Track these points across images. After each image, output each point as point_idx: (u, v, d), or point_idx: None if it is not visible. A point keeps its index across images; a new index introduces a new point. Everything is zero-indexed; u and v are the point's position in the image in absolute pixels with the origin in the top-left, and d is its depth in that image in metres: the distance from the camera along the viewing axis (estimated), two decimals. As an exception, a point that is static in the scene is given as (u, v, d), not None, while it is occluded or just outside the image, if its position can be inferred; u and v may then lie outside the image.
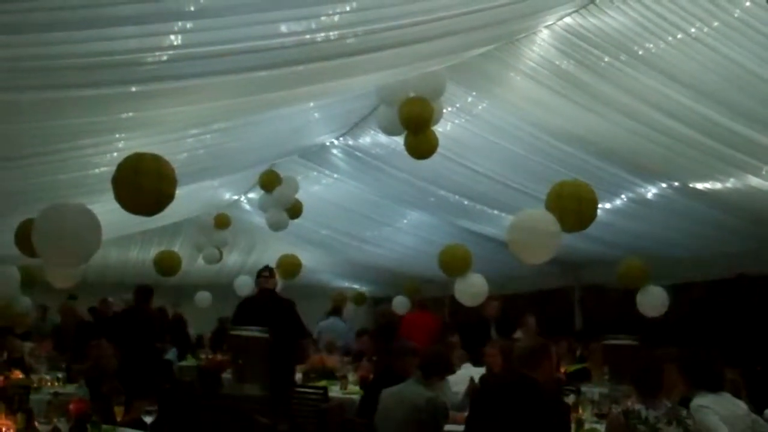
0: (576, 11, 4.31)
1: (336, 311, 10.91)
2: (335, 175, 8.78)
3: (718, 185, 5.96)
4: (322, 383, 7.06)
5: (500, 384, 4.26)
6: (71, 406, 4.31)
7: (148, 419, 3.98)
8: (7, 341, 7.57)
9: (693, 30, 4.14)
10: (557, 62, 4.88)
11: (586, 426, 4.66)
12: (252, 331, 6.24)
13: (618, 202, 6.85)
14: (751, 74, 4.31)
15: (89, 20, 2.84)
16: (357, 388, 6.74)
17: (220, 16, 3.14)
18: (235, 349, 6.67)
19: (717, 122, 4.86)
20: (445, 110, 5.58)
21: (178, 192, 4.44)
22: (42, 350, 8.05)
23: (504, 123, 6.02)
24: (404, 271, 11.55)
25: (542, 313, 8.82)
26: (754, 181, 5.58)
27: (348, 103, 6.10)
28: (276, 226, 8.52)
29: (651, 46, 4.39)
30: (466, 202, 8.15)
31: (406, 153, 5.59)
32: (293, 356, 6.91)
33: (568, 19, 4.43)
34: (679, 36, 4.22)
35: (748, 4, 3.83)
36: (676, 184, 6.21)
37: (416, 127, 5.23)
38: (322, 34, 3.57)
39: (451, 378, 5.31)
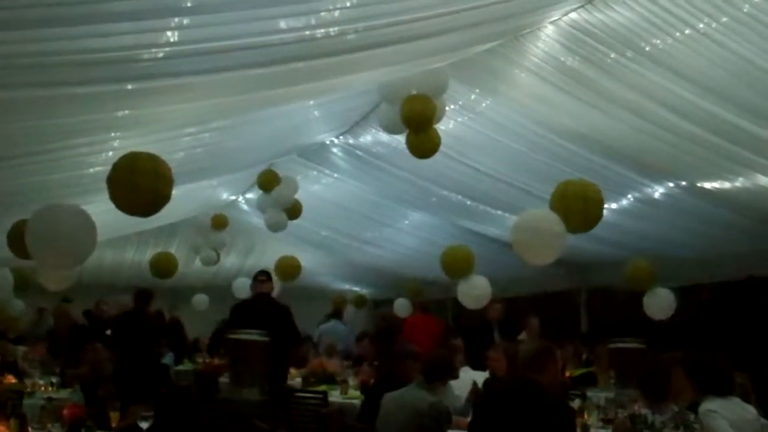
0: (581, 6, 4.31)
1: (336, 314, 10.90)
2: (335, 175, 8.78)
3: (726, 184, 5.96)
4: (322, 388, 7.05)
5: (504, 388, 4.26)
6: (65, 412, 4.32)
7: (144, 425, 3.99)
8: (0, 345, 7.58)
9: (701, 25, 4.14)
10: (562, 59, 4.88)
11: (592, 431, 4.66)
12: (251, 335, 6.25)
13: (624, 202, 6.85)
14: (760, 70, 4.31)
15: (84, 16, 2.84)
16: (358, 393, 6.75)
17: (218, 12, 3.13)
18: (233, 353, 6.67)
19: (725, 120, 4.85)
20: (447, 108, 5.57)
21: (175, 192, 4.44)
22: (35, 354, 8.06)
23: (508, 121, 6.02)
24: (406, 273, 11.54)
25: (547, 315, 8.81)
26: (763, 180, 5.58)
27: (348, 100, 6.10)
28: (275, 227, 8.52)
29: (658, 42, 4.39)
30: (468, 202, 8.14)
31: (407, 152, 5.59)
32: (286, 362, 6.92)
33: (573, 15, 4.43)
34: (686, 32, 4.22)
35: (757, -1, 3.84)
36: (684, 183, 6.21)
37: (418, 125, 5.23)
38: (322, 30, 3.57)
39: (453, 382, 5.31)
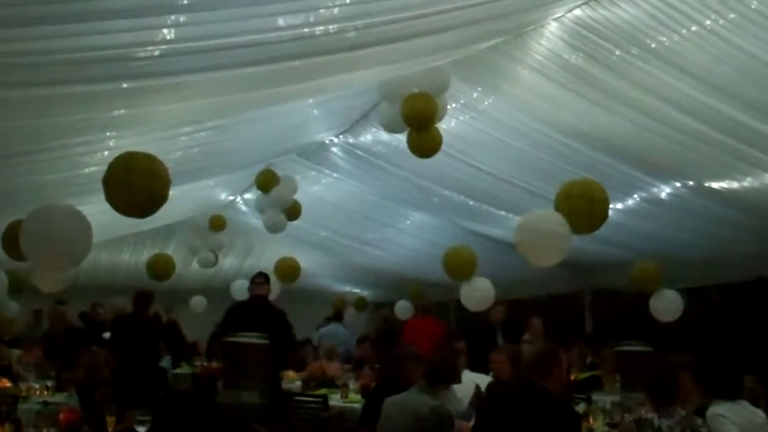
0: (586, 3, 4.32)
1: (336, 317, 10.90)
2: (335, 175, 8.78)
3: (734, 184, 5.95)
4: (322, 391, 7.06)
5: (508, 392, 4.26)
6: (61, 416, 4.32)
7: (142, 429, 3.99)
8: (-6, 348, 7.58)
9: (708, 22, 4.14)
10: (566, 56, 4.88)
11: (598, 435, 4.66)
12: (250, 338, 6.25)
13: (630, 201, 6.85)
14: (767, 67, 4.31)
15: (79, 14, 2.84)
16: (358, 397, 6.75)
17: (215, 9, 3.14)
18: (232, 356, 6.67)
19: (733, 118, 4.85)
20: (449, 106, 5.57)
21: (172, 192, 4.44)
22: (30, 357, 8.06)
23: (511, 119, 6.02)
24: (407, 275, 11.54)
25: (551, 318, 8.80)
26: (772, 179, 5.58)
27: (348, 99, 6.10)
28: (273, 228, 8.52)
29: (664, 38, 4.39)
30: (471, 203, 8.14)
31: (408, 151, 5.59)
32: (280, 366, 6.92)
33: (577, 11, 4.43)
34: (693, 28, 4.22)
35: (765, -6, 3.84)
36: (691, 182, 6.20)
37: (419, 124, 5.23)
38: (321, 28, 3.57)
39: (455, 386, 5.30)
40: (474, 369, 6.12)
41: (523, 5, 4.16)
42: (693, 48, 4.37)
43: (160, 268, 9.67)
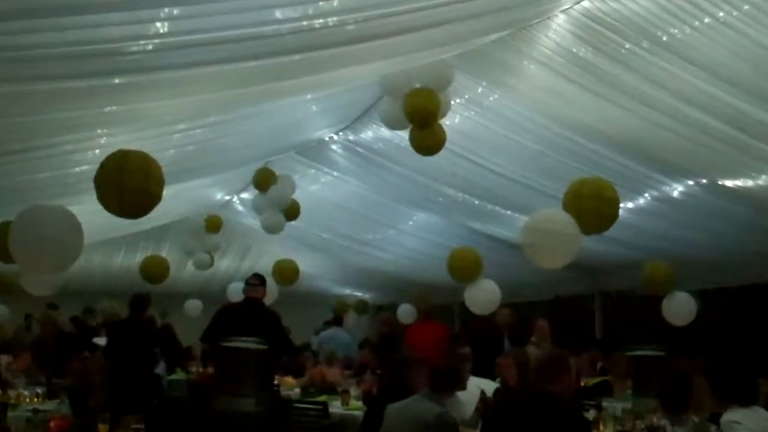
0: (594, -6, 4.31)
1: (336, 320, 10.91)
2: (335, 173, 8.78)
3: (749, 182, 5.94)
4: (323, 398, 7.06)
5: (516, 398, 4.25)
6: (52, 424, 4.33)
7: (135, 437, 3.99)
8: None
9: (721, 14, 4.13)
10: (574, 49, 4.88)
11: (608, 443, 4.65)
12: (248, 343, 6.25)
13: (641, 201, 6.84)
14: (784, 61, 4.31)
15: (68, 7, 2.84)
16: (360, 404, 6.74)
17: (210, 2, 3.14)
18: (228, 362, 6.67)
19: (747, 113, 4.84)
20: (453, 102, 5.58)
21: (166, 192, 4.44)
22: (20, 364, 8.07)
23: (517, 115, 6.02)
24: (410, 277, 11.55)
25: (559, 321, 8.80)
26: (789, 177, 5.58)
27: (348, 94, 6.10)
28: (271, 229, 8.52)
29: (676, 31, 4.38)
30: (476, 202, 8.14)
31: (411, 148, 5.59)
32: (274, 372, 6.92)
33: (585, 3, 4.42)
34: (706, 20, 4.21)
35: (781, -15, 3.83)
36: (704, 180, 6.19)
37: (422, 120, 5.23)
38: (320, 21, 3.56)
39: (460, 392, 5.30)
40: (480, 374, 6.10)
41: (530, -3, 4.16)
42: (706, 41, 4.36)
43: (154, 270, 9.68)
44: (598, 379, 7.10)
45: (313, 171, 8.84)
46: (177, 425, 5.84)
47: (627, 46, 4.65)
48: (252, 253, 12.86)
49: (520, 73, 5.46)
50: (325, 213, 9.91)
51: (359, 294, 14.11)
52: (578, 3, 4.44)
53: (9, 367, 7.80)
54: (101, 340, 8.15)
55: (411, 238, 10.35)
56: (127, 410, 4.81)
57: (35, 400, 6.44)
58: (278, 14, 3.41)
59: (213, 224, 10.24)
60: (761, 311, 7.49)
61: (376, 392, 6.14)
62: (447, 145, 5.56)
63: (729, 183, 6.06)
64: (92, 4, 2.90)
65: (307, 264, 10.81)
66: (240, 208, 10.82)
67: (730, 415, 3.85)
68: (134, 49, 3.28)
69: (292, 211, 8.43)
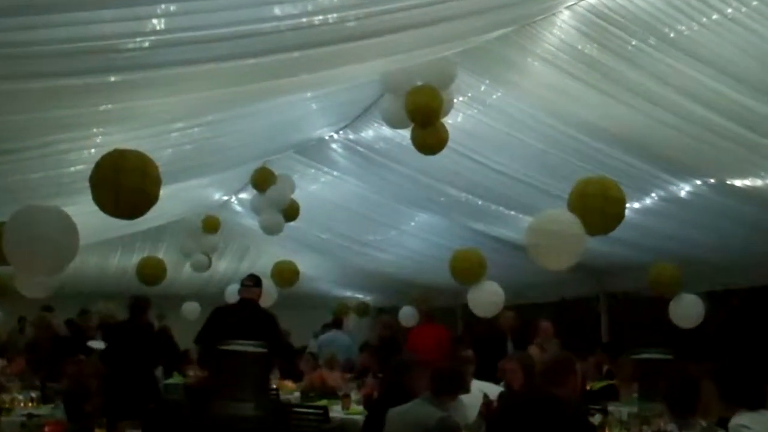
0: (600, -11, 4.32)
1: (336, 323, 10.90)
2: (335, 173, 8.78)
3: (758, 181, 5.94)
4: (323, 402, 7.06)
5: (520, 402, 4.24)
6: (46, 429, 4.33)
7: (131, 442, 3.99)
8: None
9: (729, 10, 4.13)
10: (579, 46, 4.88)
11: (614, 448, 4.65)
12: (247, 346, 6.25)
13: (647, 200, 6.84)
14: (794, 58, 4.30)
15: (62, 3, 2.84)
16: (360, 408, 6.74)
17: (208, -2, 3.15)
18: (226, 366, 6.67)
19: (756, 111, 4.84)
20: (455, 100, 5.57)
21: (163, 192, 4.45)
22: (15, 368, 8.08)
23: (521, 114, 6.02)
24: (412, 279, 11.55)
25: (564, 324, 8.81)
26: (799, 176, 5.57)
27: (349, 92, 6.10)
28: (270, 230, 8.52)
29: (683, 27, 4.38)
30: (479, 202, 8.14)
31: (412, 148, 5.58)
32: (269, 374, 6.94)
33: (591, -1, 4.43)
34: (713, 17, 4.21)
35: (790, -20, 3.83)
36: (712, 180, 6.19)
37: (424, 118, 5.23)
38: (320, 17, 3.57)
39: (463, 396, 5.30)
40: (483, 378, 6.11)
41: (534, -8, 4.16)
42: (714, 37, 4.36)
43: (151, 272, 9.68)
44: (603, 383, 7.10)
45: (312, 170, 8.84)
46: (174, 430, 5.84)
47: (633, 43, 4.65)
48: (250, 255, 12.86)
49: (524, 70, 5.46)
50: (325, 213, 9.91)
51: (360, 296, 14.12)
52: (583, -1, 4.44)
53: (3, 371, 7.81)
54: (96, 343, 8.14)
55: (413, 239, 10.35)
56: (124, 415, 4.82)
57: (29, 404, 6.44)
58: (277, 11, 3.41)
59: (211, 225, 10.24)
60: (770, 313, 7.48)
61: (377, 396, 6.14)
62: (449, 144, 5.56)
63: (738, 182, 6.06)
64: (87, 1, 2.90)
65: (306, 265, 10.81)
66: (238, 208, 10.82)
67: (738, 420, 3.85)
68: (130, 46, 3.29)
69: (291, 212, 8.43)
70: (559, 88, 5.42)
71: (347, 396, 7.15)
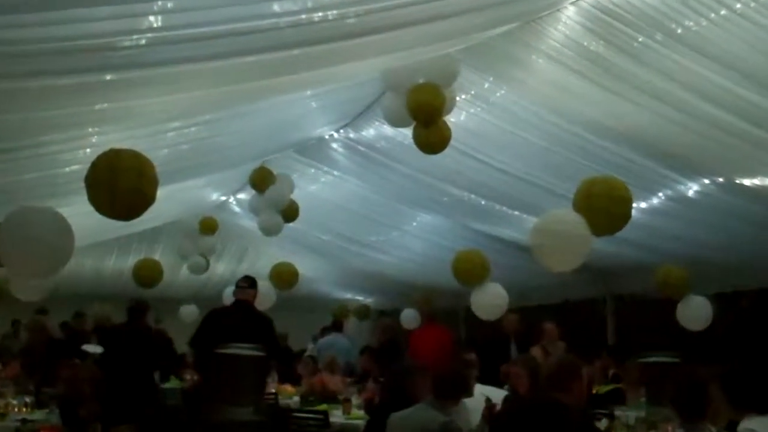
0: (605, -15, 4.32)
1: (336, 326, 10.90)
2: (335, 173, 8.79)
3: (767, 180, 5.94)
4: (323, 407, 7.06)
5: (524, 407, 4.24)
6: (41, 434, 4.32)
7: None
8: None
9: (738, 5, 4.13)
10: (585, 43, 4.88)
11: (621, 454, 4.65)
12: (243, 349, 6.26)
13: (654, 200, 6.84)
14: (804, 55, 4.30)
15: (57, 0, 2.84)
16: (361, 413, 6.75)
17: (205, -5, 3.15)
18: (224, 369, 6.68)
19: (765, 108, 4.84)
20: (458, 98, 5.57)
21: (159, 193, 4.44)
22: (8, 372, 8.08)
23: (525, 112, 6.02)
24: (413, 281, 11.54)
25: (570, 326, 8.79)
26: (809, 175, 5.57)
27: (349, 90, 6.10)
28: (269, 231, 8.52)
29: (691, 23, 4.38)
30: (482, 202, 8.14)
31: (414, 147, 5.58)
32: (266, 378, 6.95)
33: (596, -6, 4.43)
34: (722, 12, 4.21)
35: (800, -25, 3.83)
36: (720, 179, 6.19)
37: (426, 117, 5.23)
38: (320, 14, 3.56)
39: (466, 400, 5.30)
40: (486, 382, 6.11)
41: (538, -12, 4.16)
42: (722, 33, 4.36)
43: (147, 274, 9.68)
44: (610, 387, 7.11)
45: (312, 170, 8.85)
46: (171, 436, 5.85)
47: (639, 39, 4.65)
48: (249, 256, 12.86)
49: (528, 67, 5.46)
50: (325, 214, 9.91)
51: (361, 298, 14.11)
52: (589, -6, 4.45)
53: (-4, 376, 7.82)
54: (92, 347, 8.14)
55: (414, 239, 10.35)
56: (121, 420, 4.82)
57: (24, 409, 6.44)
58: (276, 7, 3.41)
59: (208, 226, 10.24)
60: (780, 315, 7.47)
61: (379, 401, 6.15)
62: (452, 143, 5.55)
63: (747, 181, 6.06)
64: (82, -2, 2.90)
65: (306, 267, 10.81)
66: (236, 209, 10.82)
67: (747, 424, 3.84)
68: (126, 44, 3.28)
69: (290, 212, 8.43)
70: (564, 85, 5.42)
71: (348, 400, 7.15)
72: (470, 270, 7.53)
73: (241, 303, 7.04)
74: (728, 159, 5.80)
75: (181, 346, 11.23)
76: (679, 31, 4.46)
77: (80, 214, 5.05)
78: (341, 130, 7.56)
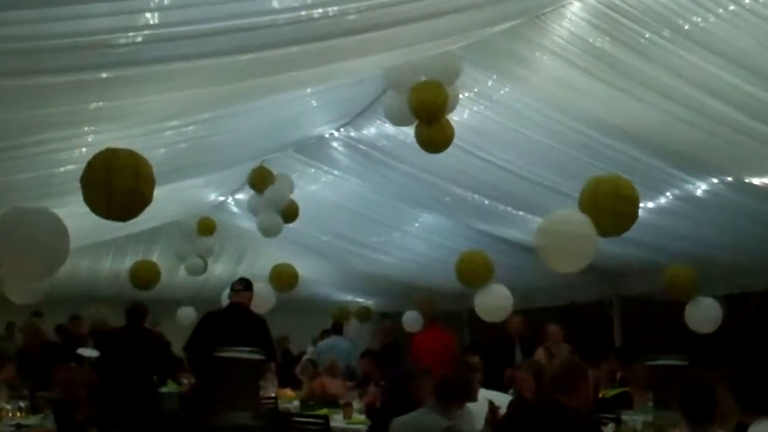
0: (611, -20, 4.32)
1: (336, 328, 10.90)
2: (336, 172, 8.79)
3: (777, 179, 5.95)
4: (323, 412, 7.07)
5: (529, 411, 4.24)
6: (36, 439, 4.33)
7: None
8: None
9: (747, 1, 4.13)
10: (590, 39, 4.88)
11: (628, 459, 4.65)
12: (242, 353, 6.26)
13: (662, 200, 6.84)
14: (814, 51, 4.31)
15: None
16: (363, 418, 6.75)
17: (203, -9, 3.15)
18: (221, 373, 6.68)
19: (775, 106, 4.84)
20: (461, 96, 5.58)
21: (156, 193, 4.45)
22: (3, 376, 8.09)
23: (530, 110, 6.02)
24: (415, 282, 11.54)
25: (576, 329, 8.80)
26: (820, 174, 5.57)
27: (350, 88, 6.11)
28: (269, 231, 8.53)
29: (698, 19, 4.38)
30: (486, 202, 8.14)
31: (416, 145, 5.59)
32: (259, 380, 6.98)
33: (602, -10, 4.44)
34: (730, 8, 4.21)
35: (810, -31, 3.83)
36: (729, 178, 6.19)
37: (428, 115, 5.23)
38: (320, 10, 3.57)
39: (470, 404, 5.30)
40: (490, 386, 6.12)
41: (542, -17, 4.17)
42: (730, 29, 4.36)
43: (144, 276, 9.70)
44: (617, 391, 7.09)
45: (312, 170, 8.85)
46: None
47: (646, 36, 4.65)
48: (248, 257, 12.87)
49: (532, 64, 5.46)
50: (326, 214, 9.92)
51: (362, 300, 14.11)
52: (594, -10, 4.45)
53: (-9, 379, 7.81)
54: (87, 351, 8.15)
55: (416, 240, 10.35)
56: (117, 425, 4.83)
57: (18, 414, 6.45)
58: (275, 4, 3.42)
59: (206, 227, 10.25)
60: (791, 317, 7.47)
61: (380, 405, 6.16)
62: (455, 141, 5.56)
63: (756, 180, 6.06)
64: (78, -6, 2.91)
65: (306, 268, 10.82)
66: (235, 209, 10.83)
67: (756, 428, 3.84)
68: (123, 41, 3.29)
69: (290, 213, 8.44)
70: (568, 82, 5.42)
71: (349, 405, 7.15)
72: (474, 271, 7.53)
73: (237, 306, 7.05)
74: (737, 157, 5.80)
75: (179, 349, 11.28)
76: (687, 27, 4.46)
77: (76, 214, 5.06)
78: (342, 129, 7.57)
